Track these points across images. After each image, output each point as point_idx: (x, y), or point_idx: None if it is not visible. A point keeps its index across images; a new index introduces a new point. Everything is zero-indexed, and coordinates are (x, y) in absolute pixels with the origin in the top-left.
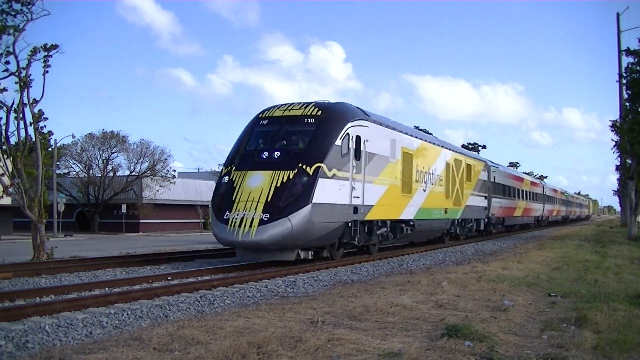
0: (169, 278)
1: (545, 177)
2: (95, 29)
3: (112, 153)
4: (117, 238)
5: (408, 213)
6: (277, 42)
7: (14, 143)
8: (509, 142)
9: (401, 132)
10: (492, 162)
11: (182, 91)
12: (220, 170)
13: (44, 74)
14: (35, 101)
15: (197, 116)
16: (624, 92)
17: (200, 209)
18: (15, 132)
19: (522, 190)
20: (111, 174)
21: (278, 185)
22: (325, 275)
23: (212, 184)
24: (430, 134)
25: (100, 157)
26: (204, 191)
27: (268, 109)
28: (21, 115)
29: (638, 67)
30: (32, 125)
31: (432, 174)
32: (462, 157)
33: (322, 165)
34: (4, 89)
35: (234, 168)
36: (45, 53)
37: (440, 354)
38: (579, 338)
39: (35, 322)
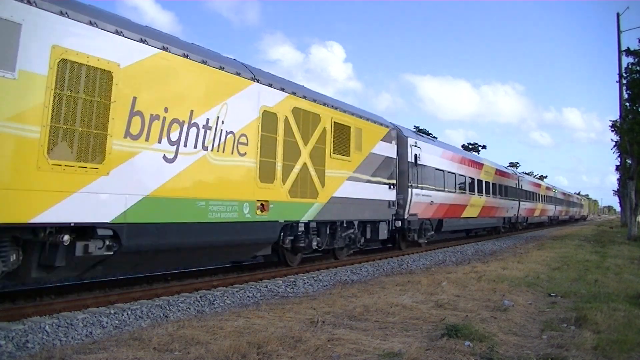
0: (169, 278)
1: (545, 176)
2: None
3: None
4: None
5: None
6: (278, 42)
7: None
8: (509, 142)
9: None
10: (417, 133)
11: None
12: None
13: None
14: None
15: None
16: (624, 92)
17: None
18: None
19: (481, 181)
20: None
21: None
22: (325, 275)
23: None
24: (430, 134)
25: None
26: None
27: None
28: None
29: (638, 67)
30: None
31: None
32: (318, 109)
33: None
34: None
35: None
36: None
37: (440, 354)
38: (579, 338)
39: (35, 322)
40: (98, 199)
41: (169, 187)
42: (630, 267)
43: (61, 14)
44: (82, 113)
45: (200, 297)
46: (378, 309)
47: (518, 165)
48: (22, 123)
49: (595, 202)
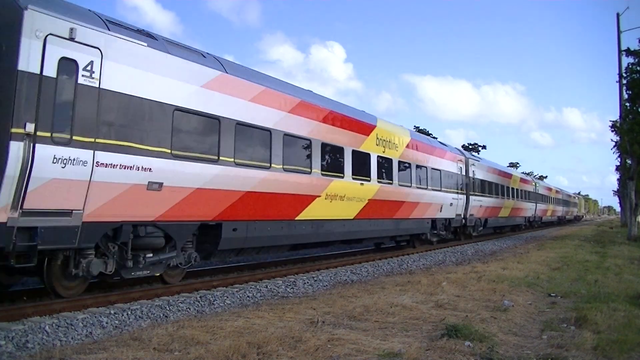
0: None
1: (545, 177)
2: None
3: None
4: None
5: None
6: (278, 42)
7: None
8: (510, 142)
9: None
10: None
11: None
12: None
13: None
14: None
15: None
16: (624, 93)
17: None
18: None
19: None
20: None
21: None
22: (325, 275)
23: None
24: (430, 134)
25: None
26: None
27: None
28: None
29: (638, 68)
30: None
31: None
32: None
33: None
34: None
35: None
36: None
37: (440, 354)
38: (579, 338)
39: (35, 322)
40: None
41: None
42: (630, 267)
43: None
44: None
45: (200, 297)
46: (378, 309)
47: (518, 165)
48: None
49: (595, 202)
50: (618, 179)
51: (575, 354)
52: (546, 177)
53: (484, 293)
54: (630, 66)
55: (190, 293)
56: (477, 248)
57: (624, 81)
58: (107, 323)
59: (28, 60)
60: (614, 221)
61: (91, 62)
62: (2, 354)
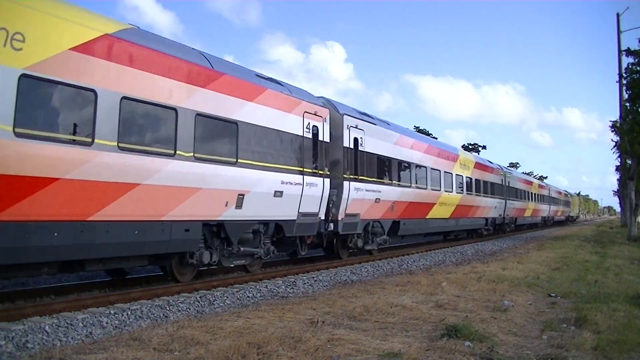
0: (169, 278)
1: (546, 177)
2: None
3: None
4: None
5: None
6: (278, 42)
7: None
8: (510, 142)
9: None
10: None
11: None
12: None
13: None
14: None
15: None
16: (624, 93)
17: None
18: None
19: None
20: None
21: None
22: (325, 275)
23: None
24: (430, 134)
25: None
26: None
27: None
28: None
29: (638, 68)
30: None
31: None
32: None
33: None
34: None
35: None
36: None
37: (440, 354)
38: (578, 338)
39: (35, 322)
40: None
41: None
42: (630, 268)
43: None
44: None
45: (200, 297)
46: (378, 309)
47: (518, 165)
48: None
49: (596, 202)
50: (618, 179)
51: (575, 354)
52: (546, 177)
53: (484, 293)
54: (630, 66)
55: (190, 293)
56: (477, 248)
57: (624, 81)
58: (107, 323)
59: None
60: (614, 221)
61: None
62: (2, 354)
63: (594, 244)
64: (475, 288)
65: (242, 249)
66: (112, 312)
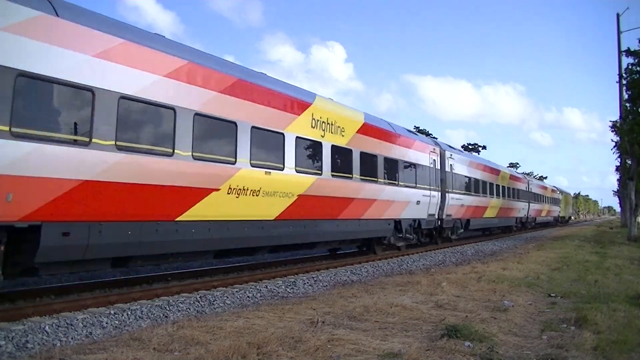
0: (169, 278)
1: (545, 177)
2: None
3: None
4: None
5: None
6: (279, 42)
7: None
8: (510, 142)
9: None
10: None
11: None
12: None
13: None
14: None
15: None
16: (624, 93)
17: None
18: None
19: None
20: None
21: None
22: (325, 275)
23: None
24: (430, 134)
25: None
26: None
27: None
28: None
29: (638, 68)
30: None
31: None
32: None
33: None
34: None
35: None
36: None
37: (440, 355)
38: (578, 339)
39: (35, 322)
40: None
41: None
42: (630, 268)
43: None
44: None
45: (200, 297)
46: (378, 310)
47: (518, 165)
48: None
49: (596, 202)
50: (618, 180)
51: (575, 354)
52: (546, 177)
53: (483, 293)
54: (630, 66)
55: (190, 293)
56: (477, 249)
57: (624, 81)
58: (107, 323)
59: (447, 167)
60: (614, 221)
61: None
62: (2, 354)
63: (594, 244)
64: (475, 288)
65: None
66: (112, 312)
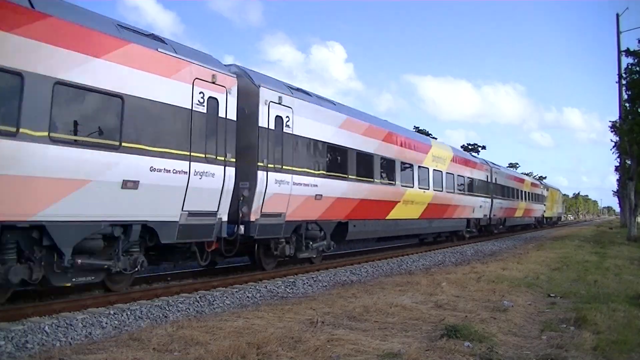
0: (169, 278)
1: (545, 177)
2: None
3: None
4: None
5: None
6: (279, 42)
7: None
8: (510, 142)
9: None
10: None
11: None
12: None
13: None
14: None
15: None
16: (624, 93)
17: None
18: None
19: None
20: None
21: None
22: (325, 275)
23: None
24: (429, 134)
25: None
26: None
27: None
28: None
29: (637, 68)
30: None
31: None
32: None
33: None
34: None
35: None
36: None
37: (439, 355)
38: (578, 339)
39: (34, 322)
40: None
41: None
42: (629, 268)
43: None
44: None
45: (199, 297)
46: (378, 310)
47: (518, 165)
48: None
49: (595, 202)
50: (618, 180)
51: (574, 354)
52: (545, 177)
53: (483, 293)
54: (629, 67)
55: (189, 293)
56: (476, 249)
57: (624, 82)
58: (106, 323)
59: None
60: (613, 222)
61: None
62: (1, 354)
63: (594, 244)
64: (474, 288)
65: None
66: (111, 312)
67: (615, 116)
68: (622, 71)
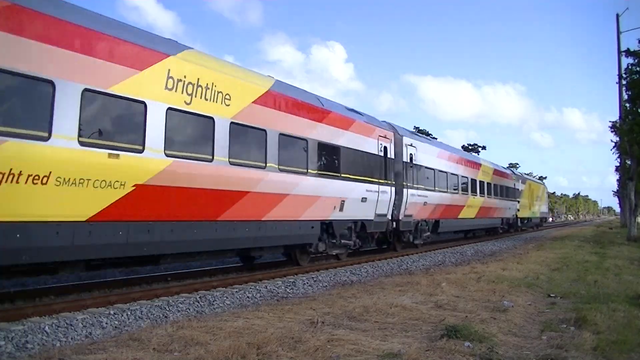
0: (169, 279)
1: (545, 177)
2: None
3: None
4: None
5: None
6: (279, 42)
7: None
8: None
9: None
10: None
11: None
12: None
13: None
14: None
15: None
16: (624, 93)
17: None
18: None
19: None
20: None
21: None
22: (325, 276)
23: None
24: (430, 134)
25: None
26: None
27: None
28: None
29: (637, 68)
30: None
31: None
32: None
33: None
34: None
35: None
36: None
37: (439, 355)
38: (578, 339)
39: (35, 322)
40: None
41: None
42: (629, 268)
43: None
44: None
45: (199, 297)
46: (378, 310)
47: (518, 166)
48: None
49: (595, 202)
50: (618, 180)
51: (574, 354)
52: (545, 177)
53: (483, 293)
54: (629, 67)
55: (189, 293)
56: (476, 249)
57: (624, 82)
58: (106, 323)
59: (405, 156)
60: (613, 222)
61: (413, 153)
62: (1, 354)
63: (594, 245)
64: (474, 288)
65: None
66: (111, 312)
67: (615, 116)
68: (622, 71)
